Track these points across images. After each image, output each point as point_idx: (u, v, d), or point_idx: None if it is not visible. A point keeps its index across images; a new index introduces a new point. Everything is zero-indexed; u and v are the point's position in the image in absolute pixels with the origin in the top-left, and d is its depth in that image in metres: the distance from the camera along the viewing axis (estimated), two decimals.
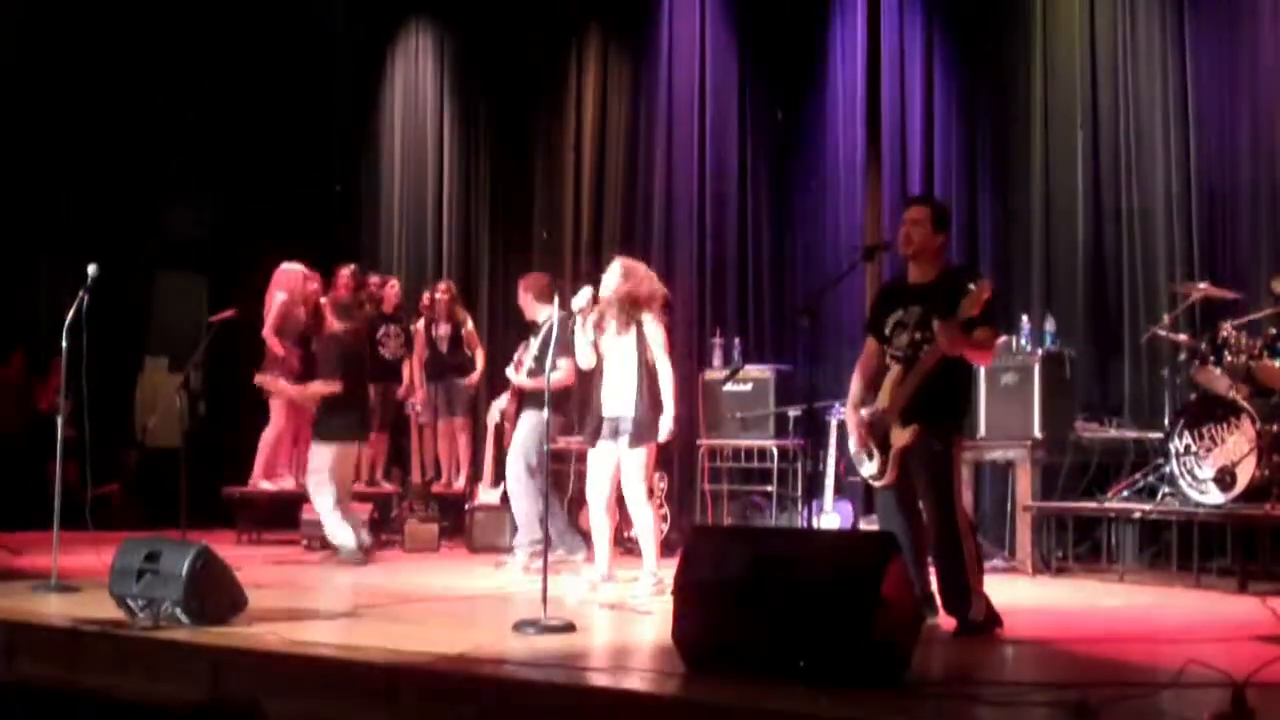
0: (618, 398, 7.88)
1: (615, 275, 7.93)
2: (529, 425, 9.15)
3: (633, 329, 7.88)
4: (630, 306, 7.88)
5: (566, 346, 8.65)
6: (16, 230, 13.19)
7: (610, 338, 7.93)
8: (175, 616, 6.07)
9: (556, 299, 8.31)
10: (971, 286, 6.03)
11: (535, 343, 9.25)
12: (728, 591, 4.96)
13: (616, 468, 7.85)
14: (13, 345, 12.83)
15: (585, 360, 8.05)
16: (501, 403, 9.69)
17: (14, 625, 6.40)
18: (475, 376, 11.63)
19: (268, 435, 11.22)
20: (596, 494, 8.01)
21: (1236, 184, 9.25)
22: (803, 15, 11.40)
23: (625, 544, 9.30)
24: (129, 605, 6.26)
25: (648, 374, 7.86)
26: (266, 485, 11.21)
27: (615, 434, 7.85)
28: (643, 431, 7.78)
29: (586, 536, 10.51)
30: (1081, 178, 9.86)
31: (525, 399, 9.34)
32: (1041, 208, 10.05)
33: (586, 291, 7.96)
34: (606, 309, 7.91)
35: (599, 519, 8.03)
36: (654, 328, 7.92)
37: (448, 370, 11.61)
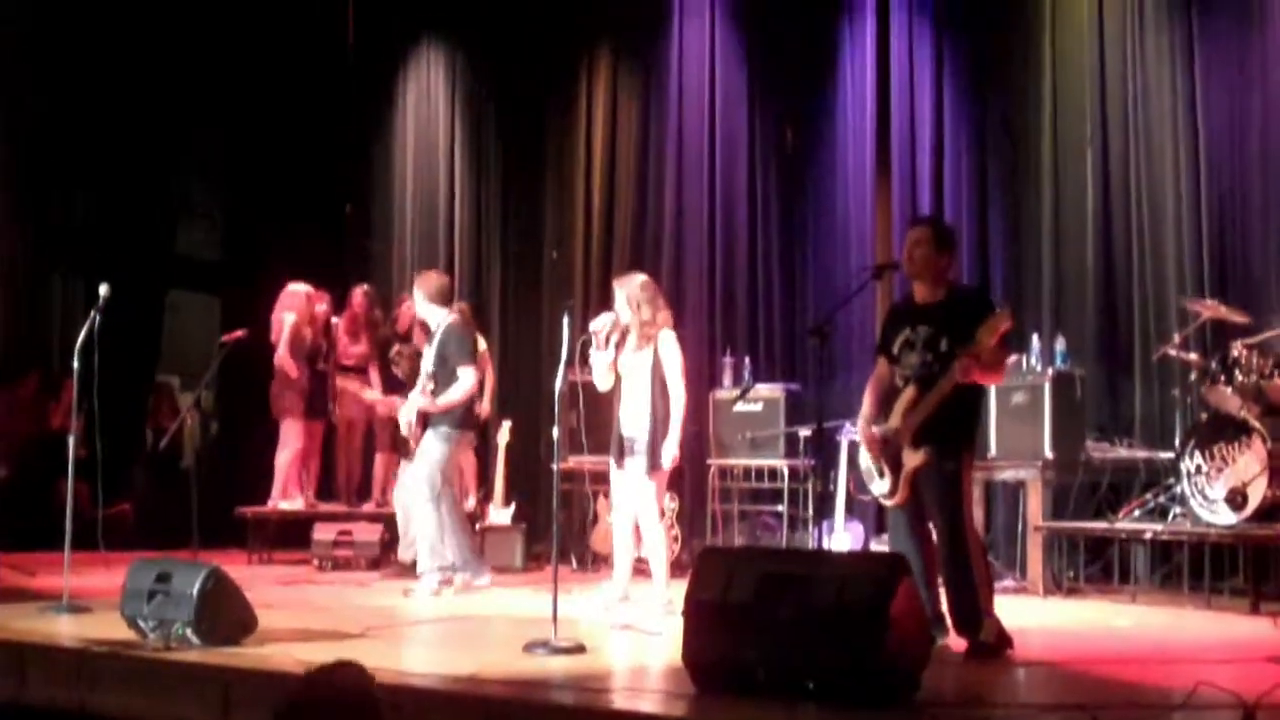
0: (633, 418, 7.88)
1: (635, 297, 7.89)
2: (433, 446, 8.76)
3: (649, 347, 7.88)
4: (649, 326, 7.88)
5: (466, 352, 8.71)
6: (29, 251, 13.23)
7: (628, 355, 7.92)
8: (186, 637, 6.08)
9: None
10: (995, 313, 6.07)
11: (430, 351, 8.93)
12: (737, 612, 4.96)
13: None
14: (27, 366, 12.84)
15: (603, 382, 8.02)
16: (411, 414, 8.87)
17: (25, 646, 6.41)
18: (486, 402, 11.53)
19: (282, 457, 11.24)
20: (622, 516, 8.01)
21: (1247, 202, 9.23)
22: (812, 32, 11.40)
23: (636, 564, 9.28)
24: (140, 626, 6.27)
25: (662, 394, 7.85)
26: (286, 505, 11.24)
27: (632, 453, 7.86)
28: (656, 455, 7.78)
29: (597, 556, 10.57)
30: (1091, 196, 9.85)
31: (428, 415, 8.84)
32: (1051, 226, 10.03)
33: (608, 316, 7.94)
34: (628, 330, 7.89)
35: (623, 540, 8.02)
36: (672, 348, 7.89)
37: None
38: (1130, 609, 8.28)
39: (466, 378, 8.78)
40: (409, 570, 9.79)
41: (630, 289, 7.93)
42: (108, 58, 13.21)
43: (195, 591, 6.09)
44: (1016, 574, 9.17)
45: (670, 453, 7.81)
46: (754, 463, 10.38)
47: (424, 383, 8.81)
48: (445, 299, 9.06)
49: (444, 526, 8.73)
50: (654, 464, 7.77)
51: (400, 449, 11.12)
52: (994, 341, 6.07)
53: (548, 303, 12.57)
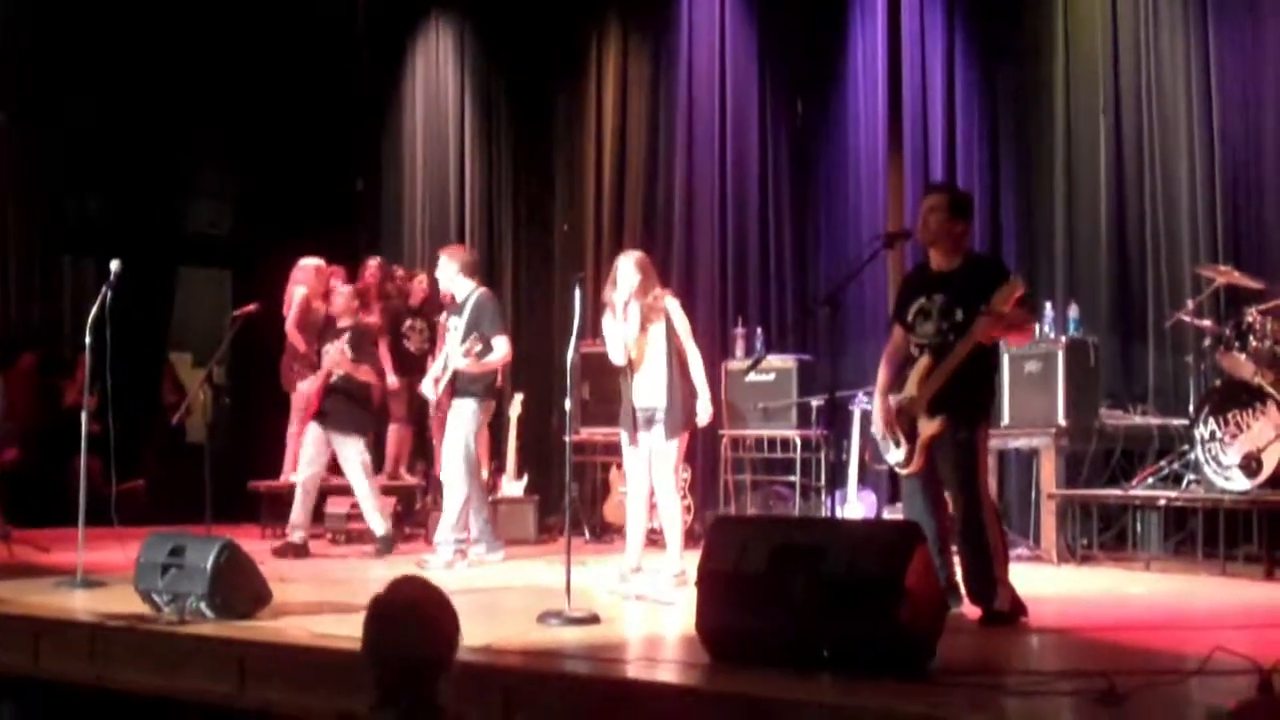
0: (650, 389, 7.90)
1: (634, 275, 7.91)
2: (466, 413, 8.96)
3: (661, 318, 7.91)
4: (658, 299, 7.91)
5: (499, 324, 8.85)
6: (40, 228, 13.23)
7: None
8: (200, 611, 6.10)
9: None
10: (1008, 281, 6.07)
11: (460, 322, 9.02)
12: (751, 582, 4.95)
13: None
14: (33, 347, 12.82)
15: (619, 356, 8.02)
16: (428, 389, 9.24)
17: (39, 621, 6.44)
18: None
19: (293, 430, 11.23)
20: (635, 488, 8.02)
21: (1261, 168, 9.16)
22: (822, 2, 11.35)
23: (649, 535, 9.29)
24: (154, 600, 6.29)
25: (678, 362, 7.88)
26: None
27: (649, 425, 7.87)
28: (677, 422, 7.81)
29: (609, 528, 10.58)
30: (1104, 164, 9.80)
31: (457, 383, 9.01)
32: (1064, 194, 9.99)
33: (625, 290, 7.95)
34: (641, 307, 7.90)
35: (637, 512, 8.04)
36: (680, 313, 7.99)
37: None
38: (1144, 576, 8.27)
39: (501, 346, 8.91)
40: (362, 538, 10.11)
41: (641, 264, 7.97)
42: (115, 35, 13.19)
43: (209, 565, 6.10)
44: (1030, 542, 9.15)
45: (706, 410, 7.94)
46: (766, 433, 10.38)
47: (470, 346, 8.84)
48: (474, 272, 9.22)
49: (471, 499, 8.89)
50: (678, 427, 7.82)
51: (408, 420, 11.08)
52: (1008, 308, 6.06)
53: (559, 276, 12.56)
